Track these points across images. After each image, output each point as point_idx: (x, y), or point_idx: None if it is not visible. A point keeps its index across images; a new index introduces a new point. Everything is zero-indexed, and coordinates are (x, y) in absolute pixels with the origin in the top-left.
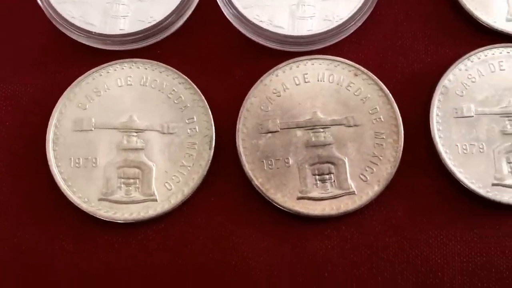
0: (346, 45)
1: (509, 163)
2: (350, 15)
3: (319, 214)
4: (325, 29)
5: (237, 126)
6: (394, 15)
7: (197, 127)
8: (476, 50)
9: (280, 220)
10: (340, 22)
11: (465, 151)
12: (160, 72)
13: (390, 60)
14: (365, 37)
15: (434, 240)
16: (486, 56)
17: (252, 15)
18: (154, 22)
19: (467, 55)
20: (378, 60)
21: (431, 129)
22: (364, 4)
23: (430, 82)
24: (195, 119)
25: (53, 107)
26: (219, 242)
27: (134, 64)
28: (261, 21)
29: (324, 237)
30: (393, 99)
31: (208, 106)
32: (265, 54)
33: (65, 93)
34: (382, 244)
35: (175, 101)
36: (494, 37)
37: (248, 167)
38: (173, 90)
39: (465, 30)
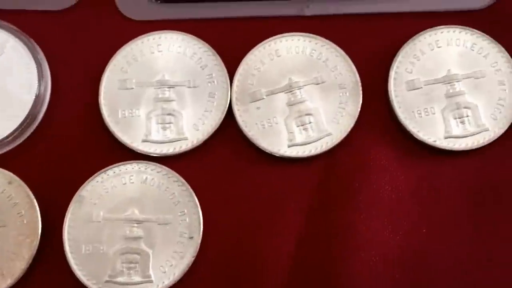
0: (13, 156)
1: (123, 263)
2: (8, 134)
3: None
4: None
5: None
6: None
7: None
8: (112, 166)
9: None
10: None
11: (88, 251)
12: None
13: (52, 173)
14: (29, 151)
15: None
16: (120, 170)
17: None
18: None
19: (104, 169)
20: (36, 170)
21: None
22: (21, 125)
23: None
24: None
25: None
26: None
27: None
28: None
29: None
30: (37, 204)
31: None
32: None
33: None
34: None
35: None
36: (129, 153)
37: None
38: None
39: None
